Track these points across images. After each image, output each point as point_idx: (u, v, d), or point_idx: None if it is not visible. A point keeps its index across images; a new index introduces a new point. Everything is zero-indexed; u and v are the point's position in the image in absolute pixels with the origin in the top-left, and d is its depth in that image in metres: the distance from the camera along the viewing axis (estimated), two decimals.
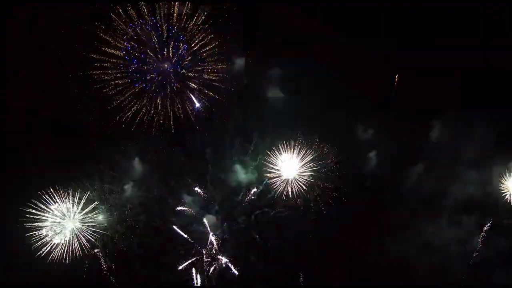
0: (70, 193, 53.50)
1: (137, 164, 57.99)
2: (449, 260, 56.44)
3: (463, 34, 58.81)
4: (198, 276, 55.68)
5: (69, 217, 53.52)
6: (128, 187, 57.01)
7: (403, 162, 59.16)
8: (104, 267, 55.29)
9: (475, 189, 56.60)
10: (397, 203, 58.70)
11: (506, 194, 56.11)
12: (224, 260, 55.91)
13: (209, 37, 53.48)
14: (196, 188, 57.44)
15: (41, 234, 52.70)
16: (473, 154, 56.89)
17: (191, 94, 55.46)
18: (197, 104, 55.65)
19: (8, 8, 55.74)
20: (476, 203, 56.75)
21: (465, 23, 58.65)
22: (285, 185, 56.27)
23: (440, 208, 57.60)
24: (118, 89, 54.18)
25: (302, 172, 56.14)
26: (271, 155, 56.19)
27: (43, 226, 52.69)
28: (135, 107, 54.76)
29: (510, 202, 55.94)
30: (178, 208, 56.74)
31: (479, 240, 55.64)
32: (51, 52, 56.15)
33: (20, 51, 56.19)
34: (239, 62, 57.16)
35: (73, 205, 53.70)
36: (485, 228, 55.71)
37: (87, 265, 54.47)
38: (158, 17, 52.90)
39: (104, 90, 54.21)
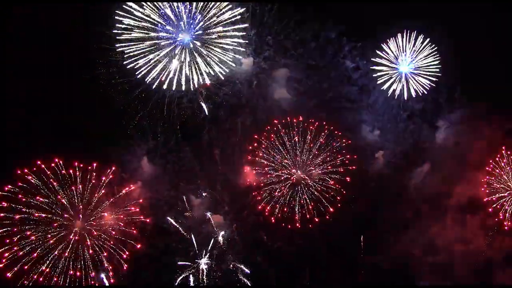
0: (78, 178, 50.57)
1: (145, 165, 57.43)
2: (453, 260, 56.52)
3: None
4: (205, 277, 55.68)
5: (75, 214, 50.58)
6: (136, 188, 55.99)
7: (409, 162, 59.12)
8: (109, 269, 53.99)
9: (479, 189, 56.61)
10: (402, 203, 58.82)
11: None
12: (231, 262, 55.96)
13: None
14: (204, 193, 57.43)
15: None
16: (479, 155, 56.87)
17: (199, 96, 55.04)
18: (205, 106, 54.89)
19: (8, 8, 55.14)
20: (480, 204, 56.73)
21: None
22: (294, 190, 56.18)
23: (445, 208, 57.71)
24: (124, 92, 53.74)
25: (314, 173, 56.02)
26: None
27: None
28: (142, 111, 54.78)
29: None
30: (186, 213, 56.54)
31: (485, 241, 55.87)
32: (53, 53, 55.86)
33: (21, 52, 55.64)
34: (247, 63, 56.38)
35: (81, 198, 50.99)
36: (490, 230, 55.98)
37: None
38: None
39: (113, 95, 54.03)
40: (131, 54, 49.67)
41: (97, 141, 55.41)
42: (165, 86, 51.30)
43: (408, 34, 58.52)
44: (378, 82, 59.76)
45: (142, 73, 50.10)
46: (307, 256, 58.05)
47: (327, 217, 56.29)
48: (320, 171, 56.19)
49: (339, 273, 57.80)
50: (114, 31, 49.70)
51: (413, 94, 59.73)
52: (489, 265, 55.79)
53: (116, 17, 49.72)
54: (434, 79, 59.46)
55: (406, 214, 58.79)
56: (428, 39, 58.77)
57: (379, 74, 59.65)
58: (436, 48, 58.49)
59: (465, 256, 55.90)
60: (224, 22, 50.59)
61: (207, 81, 51.09)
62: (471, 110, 58.30)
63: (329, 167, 56.31)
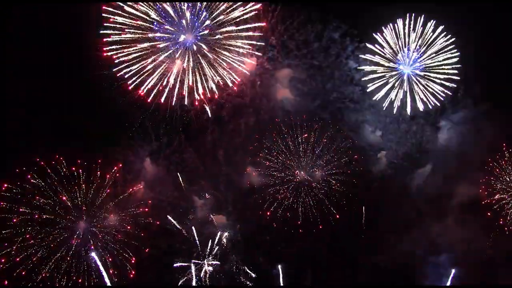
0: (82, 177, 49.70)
1: (148, 166, 56.99)
2: (456, 260, 56.60)
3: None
4: (207, 278, 55.54)
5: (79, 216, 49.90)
6: (140, 189, 55.72)
7: (411, 163, 58.97)
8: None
9: (481, 191, 56.63)
10: (404, 204, 58.86)
11: None
12: (235, 262, 55.88)
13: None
14: (208, 194, 57.21)
15: None
16: (481, 156, 56.73)
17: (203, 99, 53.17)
18: (207, 108, 52.71)
19: (8, 8, 54.48)
20: (482, 205, 56.78)
21: None
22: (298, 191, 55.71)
23: (448, 209, 57.73)
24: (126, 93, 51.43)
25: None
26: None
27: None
28: (144, 113, 53.80)
29: None
30: (190, 216, 56.26)
31: (486, 243, 55.85)
32: (53, 53, 55.20)
33: (21, 52, 54.84)
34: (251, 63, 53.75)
35: (85, 199, 49.98)
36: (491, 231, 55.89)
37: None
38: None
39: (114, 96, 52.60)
40: (122, 59, 43.97)
41: (98, 142, 55.15)
42: (163, 99, 45.49)
43: (412, 19, 43.96)
44: (369, 89, 46.72)
45: (136, 82, 44.21)
46: (309, 257, 58.09)
47: (332, 223, 55.87)
48: (324, 173, 56.10)
49: (341, 274, 57.88)
50: (101, 31, 43.21)
51: (420, 107, 45.97)
52: (491, 266, 55.88)
53: (104, 15, 44.04)
54: (451, 84, 46.13)
55: (408, 215, 58.78)
56: (442, 27, 44.01)
57: (370, 77, 47.95)
58: (454, 39, 43.92)
59: (467, 257, 55.96)
60: (235, 21, 44.06)
61: (214, 90, 45.01)
62: (474, 111, 57.51)
63: (333, 167, 56.23)
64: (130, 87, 44.02)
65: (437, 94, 47.34)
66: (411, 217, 58.50)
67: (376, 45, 47.36)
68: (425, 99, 47.98)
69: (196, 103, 47.64)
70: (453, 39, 44.77)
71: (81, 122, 55.42)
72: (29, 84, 55.23)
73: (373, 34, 46.95)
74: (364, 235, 58.42)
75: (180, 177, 55.57)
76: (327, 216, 56.70)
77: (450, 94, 45.65)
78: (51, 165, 50.98)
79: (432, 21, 45.22)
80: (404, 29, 45.78)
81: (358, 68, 48.45)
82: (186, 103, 46.23)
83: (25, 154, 53.13)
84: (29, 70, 54.94)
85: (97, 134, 55.27)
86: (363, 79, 49.30)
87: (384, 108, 48.38)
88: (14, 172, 50.34)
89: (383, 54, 47.52)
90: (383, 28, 46.22)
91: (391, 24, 46.46)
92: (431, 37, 45.98)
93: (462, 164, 57.18)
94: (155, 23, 44.04)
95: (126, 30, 44.18)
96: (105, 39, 44.30)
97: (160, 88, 46.26)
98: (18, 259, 48.44)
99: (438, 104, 46.39)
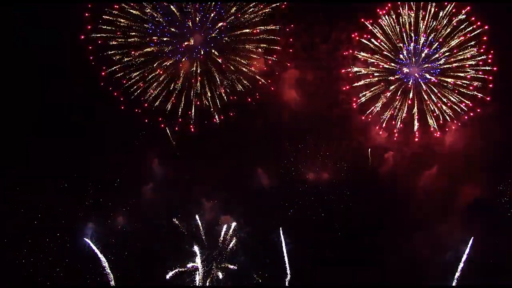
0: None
1: (156, 168, 56.76)
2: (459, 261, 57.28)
3: None
4: (214, 279, 55.82)
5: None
6: (147, 191, 55.75)
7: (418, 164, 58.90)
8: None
9: (488, 191, 57.02)
10: (411, 204, 59.17)
11: None
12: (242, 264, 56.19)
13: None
14: (216, 196, 57.00)
15: None
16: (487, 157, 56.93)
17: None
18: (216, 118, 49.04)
19: (8, 8, 53.22)
20: (487, 205, 57.27)
21: None
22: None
23: (454, 210, 58.16)
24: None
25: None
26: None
27: None
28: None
29: None
30: (198, 218, 56.24)
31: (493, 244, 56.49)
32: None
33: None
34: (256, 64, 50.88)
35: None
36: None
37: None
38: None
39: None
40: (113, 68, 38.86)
41: (106, 143, 54.99)
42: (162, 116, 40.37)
43: None
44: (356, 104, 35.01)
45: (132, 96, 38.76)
46: (314, 258, 58.43)
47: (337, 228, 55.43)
48: (331, 174, 56.30)
49: (346, 274, 58.47)
50: (93, 35, 37.07)
51: (434, 128, 32.45)
52: (495, 266, 56.65)
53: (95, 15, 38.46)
54: (480, 95, 33.50)
55: (414, 215, 59.06)
56: (467, 8, 30.03)
57: (359, 83, 37.59)
58: (486, 27, 29.44)
59: (471, 257, 56.61)
60: (249, 23, 37.86)
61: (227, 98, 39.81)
62: (481, 111, 57.50)
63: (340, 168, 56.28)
64: (122, 107, 38.01)
65: (458, 109, 35.05)
66: (417, 218, 58.85)
67: (368, 36, 35.81)
68: (441, 117, 35.81)
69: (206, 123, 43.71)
70: (485, 27, 31.35)
71: (88, 123, 55.22)
72: (30, 84, 54.79)
73: (363, 20, 34.84)
74: (370, 236, 58.76)
75: (188, 179, 55.54)
76: (333, 217, 57.38)
77: (479, 110, 32.09)
78: (58, 166, 51.19)
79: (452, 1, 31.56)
80: (409, 11, 32.65)
81: (347, 71, 38.16)
82: (193, 130, 40.71)
83: (30, 155, 53.35)
84: (29, 70, 54.28)
85: (105, 136, 55.04)
86: (345, 87, 39.33)
87: (381, 133, 37.44)
88: (20, 173, 50.61)
89: (378, 50, 36.86)
90: (378, 10, 34.28)
91: (389, 5, 35.01)
92: (451, 23, 32.97)
93: (468, 165, 57.51)
94: (150, 24, 38.33)
95: (118, 33, 39.03)
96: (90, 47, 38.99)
97: (162, 99, 42.57)
98: (25, 263, 48.96)
99: (459, 124, 33.52)
